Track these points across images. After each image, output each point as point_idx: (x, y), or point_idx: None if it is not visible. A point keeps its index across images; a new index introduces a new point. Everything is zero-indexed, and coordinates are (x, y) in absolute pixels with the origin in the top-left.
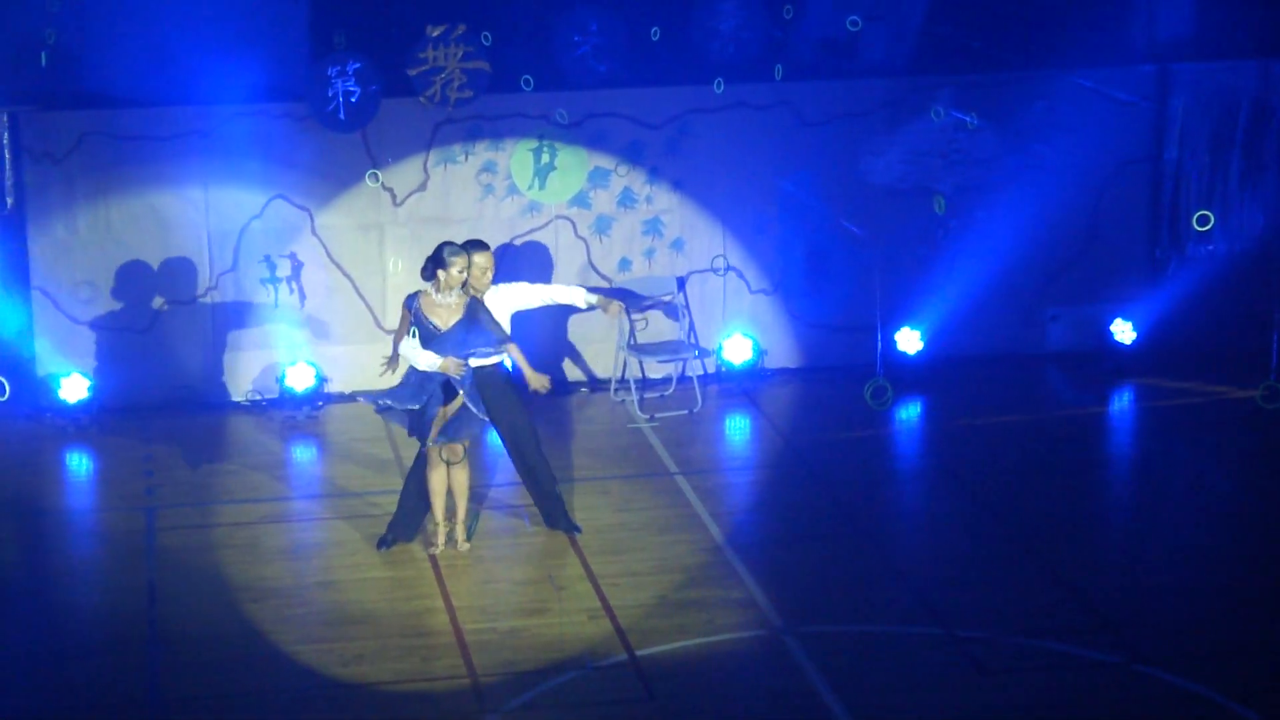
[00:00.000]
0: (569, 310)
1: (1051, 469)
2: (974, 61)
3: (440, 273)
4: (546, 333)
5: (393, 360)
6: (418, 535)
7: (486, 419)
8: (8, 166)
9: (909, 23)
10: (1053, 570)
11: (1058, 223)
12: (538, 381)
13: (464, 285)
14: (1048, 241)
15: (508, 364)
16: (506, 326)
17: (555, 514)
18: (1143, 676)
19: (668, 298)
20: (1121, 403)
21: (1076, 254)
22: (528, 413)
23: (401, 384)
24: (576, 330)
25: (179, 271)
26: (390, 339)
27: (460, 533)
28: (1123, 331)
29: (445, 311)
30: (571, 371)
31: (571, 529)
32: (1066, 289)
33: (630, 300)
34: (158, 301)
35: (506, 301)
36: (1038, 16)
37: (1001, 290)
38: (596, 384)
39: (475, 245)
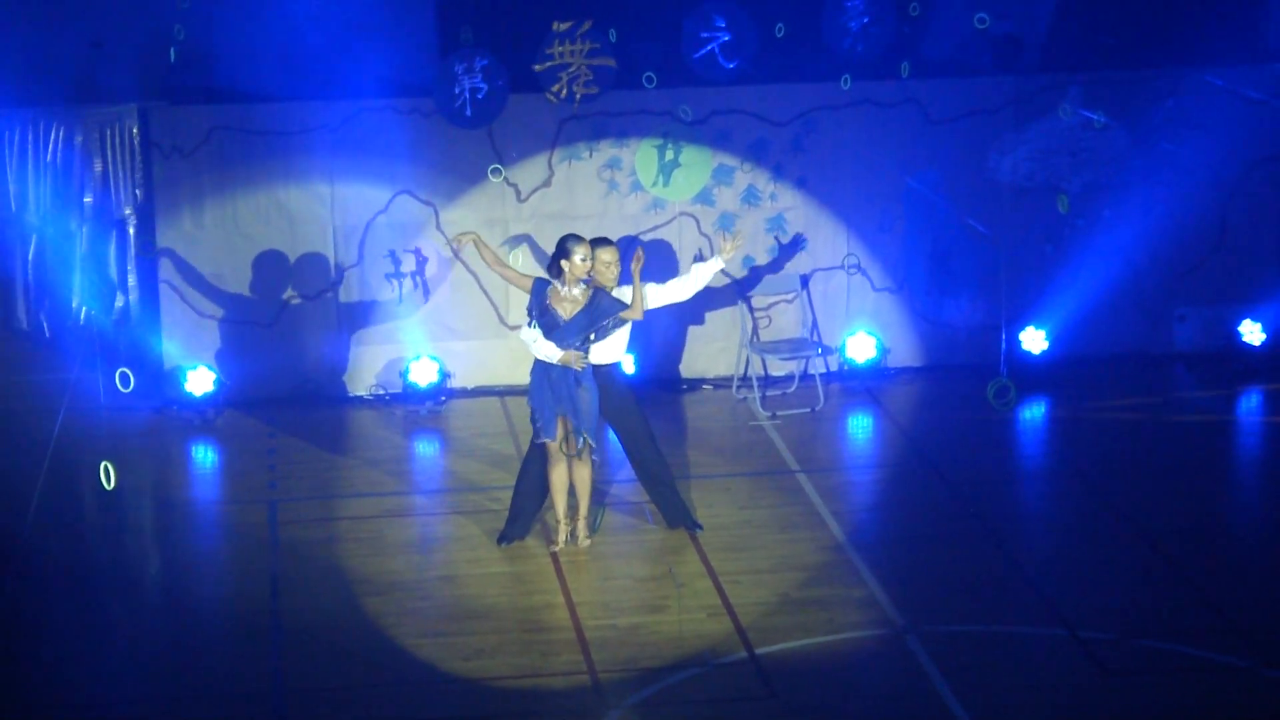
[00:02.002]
0: (694, 304)
1: (1177, 470)
2: (1103, 59)
3: (564, 263)
4: (670, 330)
5: (462, 237)
6: (533, 530)
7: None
8: (137, 161)
9: (1037, 21)
10: (1179, 573)
11: (1187, 222)
12: (640, 258)
13: (589, 280)
14: (1176, 241)
15: (625, 364)
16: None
17: (676, 512)
18: (1272, 682)
19: (790, 296)
20: (1249, 404)
21: (1205, 254)
22: (644, 414)
23: (533, 414)
24: (699, 328)
25: (305, 266)
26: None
27: (581, 529)
28: (1251, 332)
29: (570, 304)
30: (693, 369)
31: (693, 526)
32: (1195, 289)
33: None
34: (285, 294)
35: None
36: (1168, 14)
37: (1128, 290)
38: (719, 381)
39: (601, 242)
